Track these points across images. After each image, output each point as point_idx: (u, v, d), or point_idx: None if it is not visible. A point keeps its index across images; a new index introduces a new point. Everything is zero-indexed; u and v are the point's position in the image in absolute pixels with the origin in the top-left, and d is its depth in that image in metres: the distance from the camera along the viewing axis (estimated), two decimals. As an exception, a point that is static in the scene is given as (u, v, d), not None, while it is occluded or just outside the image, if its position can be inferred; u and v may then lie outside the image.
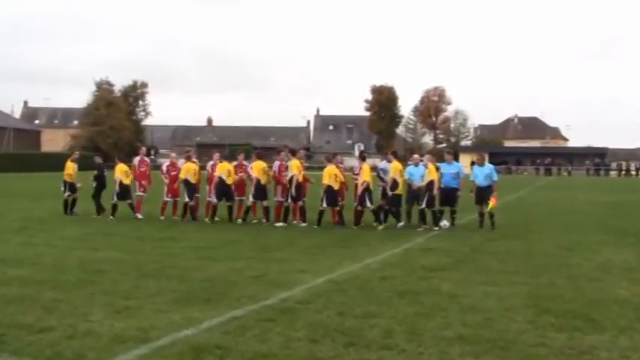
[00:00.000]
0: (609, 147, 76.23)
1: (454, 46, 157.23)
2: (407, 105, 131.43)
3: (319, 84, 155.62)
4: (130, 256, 9.74)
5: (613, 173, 66.35)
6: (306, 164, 15.64)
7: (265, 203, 14.70)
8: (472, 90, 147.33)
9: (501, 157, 68.15)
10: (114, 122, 73.20)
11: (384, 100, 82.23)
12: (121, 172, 15.77)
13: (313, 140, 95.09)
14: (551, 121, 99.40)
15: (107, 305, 6.50)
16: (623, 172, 64.92)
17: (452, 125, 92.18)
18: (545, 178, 57.88)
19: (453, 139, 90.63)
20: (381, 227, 13.73)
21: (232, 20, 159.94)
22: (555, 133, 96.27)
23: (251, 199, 14.65)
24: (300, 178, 14.35)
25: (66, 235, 12.21)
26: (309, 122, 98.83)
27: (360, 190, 13.99)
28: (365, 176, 13.91)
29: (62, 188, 16.48)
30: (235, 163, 15.41)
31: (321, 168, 14.84)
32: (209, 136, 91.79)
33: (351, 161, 25.96)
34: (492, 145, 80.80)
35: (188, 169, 15.09)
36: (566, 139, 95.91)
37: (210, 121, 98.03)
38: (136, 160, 16.63)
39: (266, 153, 17.12)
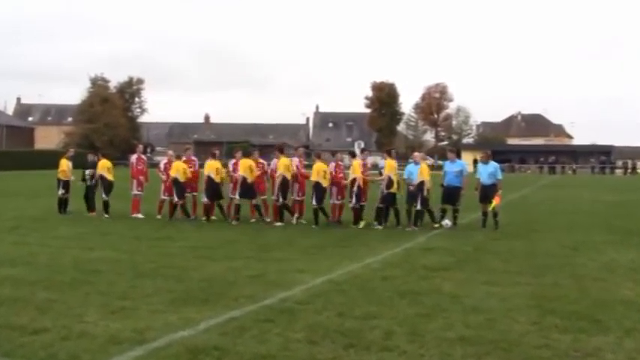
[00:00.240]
0: (615, 145, 75.83)
1: (456, 41, 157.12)
2: (408, 102, 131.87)
3: (318, 81, 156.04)
4: (125, 255, 9.66)
5: (618, 171, 66.04)
6: (306, 162, 15.51)
7: (254, 201, 14.61)
8: (474, 86, 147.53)
9: (504, 155, 67.75)
10: (109, 119, 72.19)
11: (384, 97, 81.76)
12: (102, 168, 15.82)
13: (313, 138, 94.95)
14: (555, 119, 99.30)
15: (102, 306, 6.44)
16: (629, 171, 64.62)
17: (454, 122, 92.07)
18: (549, 176, 57.71)
19: (454, 137, 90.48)
20: (362, 224, 13.65)
21: (230, 16, 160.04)
22: (559, 130, 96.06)
23: (237, 197, 14.48)
24: (289, 177, 14.26)
25: (60, 235, 12.13)
26: (308, 119, 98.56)
27: (352, 187, 13.91)
28: (356, 173, 13.82)
29: (61, 187, 16.33)
30: (233, 161, 15.31)
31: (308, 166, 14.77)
32: (206, 133, 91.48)
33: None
34: (495, 142, 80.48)
35: (178, 168, 15.03)
36: (570, 137, 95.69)
37: (207, 118, 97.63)
38: (134, 157, 16.51)
39: (265, 151, 17.02)
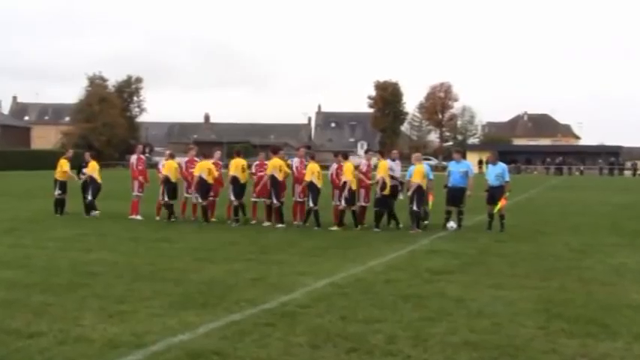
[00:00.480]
0: (623, 145, 75.45)
1: (461, 40, 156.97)
2: (412, 101, 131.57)
3: (321, 80, 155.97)
4: (123, 257, 9.58)
5: (627, 172, 65.65)
6: (307, 163, 15.39)
7: (236, 202, 14.47)
8: (480, 86, 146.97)
9: (510, 156, 67.63)
10: (107, 119, 71.52)
11: (388, 97, 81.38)
12: (94, 170, 15.97)
13: (315, 138, 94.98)
14: (562, 119, 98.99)
15: (100, 309, 6.36)
16: (638, 172, 64.20)
17: (459, 123, 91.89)
18: (555, 177, 57.49)
19: (459, 137, 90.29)
20: (334, 227, 13.55)
21: (232, 14, 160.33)
22: (567, 130, 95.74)
23: (232, 198, 14.40)
24: (281, 177, 14.19)
25: (57, 236, 12.04)
26: (310, 119, 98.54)
27: (345, 189, 13.81)
28: (347, 175, 13.74)
29: (57, 188, 16.27)
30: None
31: (323, 166, 14.66)
32: (206, 133, 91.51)
33: (354, 159, 25.72)
34: (501, 143, 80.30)
35: (170, 168, 14.96)
36: (578, 137, 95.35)
37: (207, 117, 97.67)
38: (133, 158, 16.44)
39: (266, 151, 16.88)
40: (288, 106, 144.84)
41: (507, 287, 7.66)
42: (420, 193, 13.35)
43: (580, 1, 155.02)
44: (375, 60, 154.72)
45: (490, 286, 7.70)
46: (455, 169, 14.30)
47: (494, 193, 13.69)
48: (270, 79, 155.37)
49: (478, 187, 14.47)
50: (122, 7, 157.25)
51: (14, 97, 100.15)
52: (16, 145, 70.02)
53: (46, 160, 45.40)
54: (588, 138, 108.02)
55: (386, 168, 13.77)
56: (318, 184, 13.84)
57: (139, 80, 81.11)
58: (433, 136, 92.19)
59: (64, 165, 16.53)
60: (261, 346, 5.24)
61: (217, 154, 15.98)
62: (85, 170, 16.24)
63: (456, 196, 14.01)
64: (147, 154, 17.28)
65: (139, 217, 15.22)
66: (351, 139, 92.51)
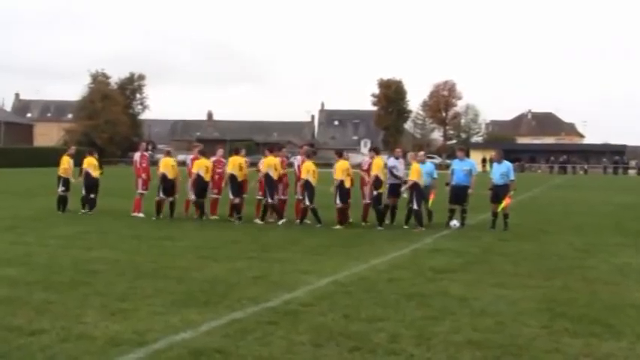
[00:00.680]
0: (628, 144, 75.19)
1: (465, 38, 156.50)
2: (415, 99, 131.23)
3: (324, 77, 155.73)
4: (125, 255, 9.55)
5: (632, 172, 65.40)
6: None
7: (237, 200, 14.47)
8: (484, 84, 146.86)
9: (514, 155, 67.44)
10: (110, 116, 71.38)
11: (391, 95, 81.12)
12: (89, 165, 16.03)
13: (318, 136, 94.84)
14: (566, 117, 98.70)
15: (102, 307, 6.35)
16: (644, 172, 63.92)
17: (462, 121, 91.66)
18: (559, 176, 57.33)
19: (463, 136, 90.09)
20: (337, 226, 13.48)
21: (235, 12, 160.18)
22: (571, 129, 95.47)
23: (231, 196, 14.40)
24: (275, 176, 14.16)
25: (59, 234, 12.01)
26: (313, 117, 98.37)
27: (334, 187, 13.82)
28: (338, 175, 13.72)
29: (61, 185, 16.28)
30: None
31: (326, 165, 14.62)
32: (209, 130, 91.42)
33: (357, 157, 25.76)
34: (505, 141, 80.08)
35: (166, 165, 14.94)
36: (582, 136, 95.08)
37: (210, 115, 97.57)
38: (137, 155, 16.43)
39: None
40: (292, 103, 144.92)
41: (511, 286, 7.63)
42: (419, 192, 13.31)
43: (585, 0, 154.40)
44: (379, 58, 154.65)
45: (493, 285, 7.67)
46: (458, 167, 14.26)
47: (499, 192, 13.63)
48: (273, 76, 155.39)
49: (481, 185, 14.42)
50: (125, 4, 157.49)
51: (17, 94, 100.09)
52: (19, 142, 69.80)
53: (49, 158, 45.37)
54: (593, 137, 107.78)
55: (380, 166, 13.76)
56: (314, 182, 13.84)
57: (141, 77, 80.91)
58: (437, 135, 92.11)
59: (65, 162, 16.56)
60: (264, 344, 5.22)
61: (220, 151, 15.97)
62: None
63: (459, 195, 13.97)
64: (150, 152, 17.23)
65: (141, 215, 15.20)
66: (355, 137, 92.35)
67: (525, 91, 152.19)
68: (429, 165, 14.70)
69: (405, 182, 14.42)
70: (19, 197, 21.03)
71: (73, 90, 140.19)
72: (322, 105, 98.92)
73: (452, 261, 9.46)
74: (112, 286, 7.34)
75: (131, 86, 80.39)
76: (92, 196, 16.06)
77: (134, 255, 9.61)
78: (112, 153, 67.56)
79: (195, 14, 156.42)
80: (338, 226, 13.48)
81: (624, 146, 73.54)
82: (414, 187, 13.30)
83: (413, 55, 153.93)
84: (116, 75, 79.70)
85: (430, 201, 14.03)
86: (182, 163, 17.46)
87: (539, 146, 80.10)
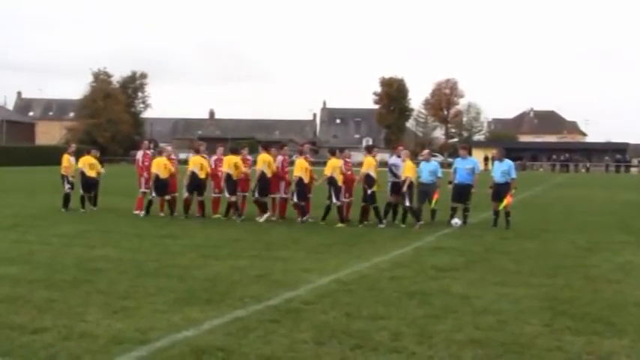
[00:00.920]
0: (630, 142, 75.11)
1: (467, 36, 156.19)
2: (417, 98, 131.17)
3: (326, 76, 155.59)
4: (128, 254, 9.54)
5: (634, 170, 65.28)
6: (312, 159, 15.38)
7: (233, 198, 14.52)
8: (485, 82, 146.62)
9: (516, 153, 67.36)
10: (112, 115, 71.45)
11: (393, 93, 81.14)
12: (84, 164, 16.11)
13: (320, 134, 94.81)
14: (568, 115, 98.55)
15: (104, 305, 6.35)
16: (646, 170, 63.82)
17: (464, 119, 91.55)
18: (562, 174, 57.20)
19: (465, 134, 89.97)
20: (339, 224, 13.49)
21: (237, 10, 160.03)
22: (573, 127, 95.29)
23: (227, 194, 14.43)
24: (269, 174, 14.18)
25: (61, 232, 12.00)
26: (315, 115, 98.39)
27: (317, 183, 13.92)
28: (327, 171, 13.77)
29: (66, 183, 16.29)
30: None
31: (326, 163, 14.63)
32: (211, 129, 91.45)
33: (359, 156, 25.73)
34: (507, 140, 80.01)
35: (159, 164, 15.00)
36: (584, 134, 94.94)
37: (212, 113, 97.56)
38: (139, 154, 16.43)
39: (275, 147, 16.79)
40: (294, 102, 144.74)
41: (512, 285, 7.62)
42: (410, 189, 13.33)
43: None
44: (381, 56, 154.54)
45: (495, 284, 7.66)
46: (461, 165, 14.24)
47: (500, 190, 13.61)
48: (275, 75, 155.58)
49: (482, 183, 14.39)
50: (127, 3, 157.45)
51: (18, 93, 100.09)
52: (21, 140, 69.83)
53: (51, 156, 45.40)
54: (595, 135, 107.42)
55: (372, 164, 13.76)
56: (305, 179, 13.86)
57: (143, 76, 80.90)
58: (439, 133, 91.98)
59: (65, 160, 16.59)
60: (266, 342, 5.22)
61: (220, 150, 15.97)
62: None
63: (462, 193, 13.96)
64: (152, 150, 17.25)
65: (142, 213, 15.23)
66: (356, 136, 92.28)
67: (527, 90, 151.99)
68: (433, 164, 14.62)
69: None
70: (21, 196, 21.01)
71: (75, 88, 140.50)
72: (324, 103, 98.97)
73: (454, 259, 9.44)
74: (114, 284, 7.34)
75: (133, 85, 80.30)
76: (90, 194, 16.09)
77: (136, 253, 9.61)
78: (113, 151, 67.57)
79: (198, 12, 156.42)
80: (340, 225, 13.48)
81: (626, 144, 73.46)
82: (408, 184, 13.33)
83: (415, 53, 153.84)
84: (118, 73, 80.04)
85: (434, 201, 13.98)
86: (184, 162, 17.49)
87: (541, 144, 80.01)
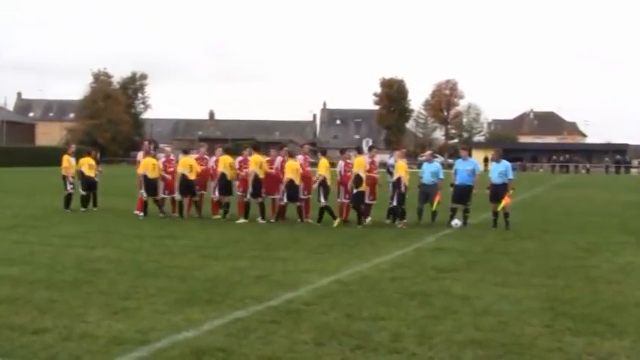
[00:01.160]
0: (630, 143, 75.14)
1: (467, 37, 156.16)
2: (417, 99, 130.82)
3: (326, 77, 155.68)
4: (128, 254, 9.55)
5: (634, 171, 65.28)
6: (312, 160, 15.36)
7: (226, 199, 14.59)
8: (485, 83, 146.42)
9: (516, 154, 67.44)
10: (112, 115, 71.28)
11: (393, 94, 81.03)
12: (83, 164, 16.38)
13: (320, 135, 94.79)
14: (568, 116, 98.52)
15: (104, 306, 6.35)
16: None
17: (464, 120, 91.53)
18: (561, 175, 57.20)
19: (465, 135, 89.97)
20: (335, 223, 13.57)
21: (237, 10, 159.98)
22: (573, 128, 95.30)
23: (216, 193, 14.50)
24: (262, 175, 14.21)
25: (61, 233, 12.00)
26: (315, 116, 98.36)
27: (315, 185, 13.90)
28: (321, 171, 13.82)
29: (68, 184, 16.33)
30: (240, 158, 15.26)
31: (330, 164, 14.63)
32: (211, 130, 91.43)
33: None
34: (507, 140, 79.99)
35: (147, 164, 15.05)
36: (584, 135, 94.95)
37: (212, 114, 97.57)
38: (140, 155, 16.45)
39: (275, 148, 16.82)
40: (294, 103, 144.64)
41: (513, 285, 7.62)
42: (400, 189, 13.38)
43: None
44: (381, 57, 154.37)
45: (496, 284, 7.65)
46: (461, 167, 14.23)
47: (497, 191, 13.61)
48: (275, 75, 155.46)
49: (480, 184, 14.38)
50: (127, 4, 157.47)
51: (19, 94, 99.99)
52: (21, 141, 69.86)
53: (51, 157, 45.33)
54: (595, 136, 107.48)
55: (362, 164, 13.77)
56: (296, 181, 13.89)
57: (143, 77, 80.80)
58: (439, 134, 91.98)
59: (65, 161, 16.62)
60: (266, 343, 5.22)
61: (219, 151, 15.99)
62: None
63: (462, 194, 13.95)
64: (152, 151, 17.28)
65: (141, 214, 15.24)
66: (356, 136, 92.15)
67: (527, 90, 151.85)
68: (435, 165, 14.62)
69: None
70: (21, 196, 20.99)
71: (75, 89, 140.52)
72: (324, 104, 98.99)
73: (454, 260, 9.44)
74: (114, 285, 7.33)
75: (133, 85, 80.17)
76: (89, 194, 16.14)
77: (137, 254, 9.61)
78: (114, 152, 67.54)
79: (198, 13, 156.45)
80: (337, 222, 13.48)
81: (626, 145, 73.47)
82: (397, 184, 13.35)
83: (415, 54, 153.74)
84: (118, 74, 79.84)
85: (435, 202, 13.97)
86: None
87: (541, 145, 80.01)
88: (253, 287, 7.29)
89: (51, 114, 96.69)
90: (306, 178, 14.44)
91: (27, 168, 47.66)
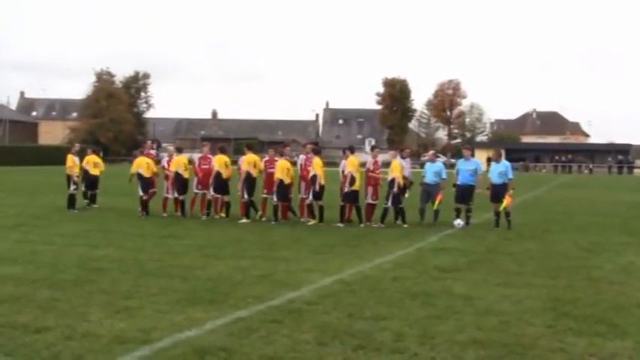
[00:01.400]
0: (633, 143, 75.00)
1: (470, 37, 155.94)
2: (420, 98, 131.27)
3: (329, 76, 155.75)
4: (130, 254, 9.55)
5: (637, 171, 65.14)
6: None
7: (226, 198, 14.65)
8: (488, 83, 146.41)
9: (519, 154, 67.43)
10: (114, 115, 71.46)
11: (396, 94, 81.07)
12: (88, 163, 16.70)
13: (322, 134, 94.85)
14: (571, 116, 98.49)
15: (107, 305, 6.35)
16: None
17: (467, 120, 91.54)
18: (564, 175, 57.09)
19: (468, 135, 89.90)
20: (311, 222, 13.66)
21: (240, 10, 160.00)
22: (576, 128, 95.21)
23: (212, 192, 14.57)
24: (255, 174, 14.30)
25: (64, 232, 12.02)
26: (318, 116, 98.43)
27: (313, 185, 13.86)
28: (317, 169, 13.85)
29: (72, 183, 16.38)
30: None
31: (331, 163, 14.67)
32: (214, 129, 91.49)
33: (362, 156, 25.77)
34: (509, 141, 79.91)
35: (140, 164, 15.16)
36: (587, 135, 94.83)
37: (215, 114, 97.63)
38: None
39: (275, 147, 16.86)
40: (296, 102, 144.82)
41: (515, 285, 7.61)
42: (397, 190, 13.38)
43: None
44: (384, 57, 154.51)
45: (498, 284, 7.64)
46: (463, 167, 14.22)
47: (498, 191, 13.61)
48: (278, 75, 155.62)
49: (484, 184, 14.36)
50: (130, 3, 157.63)
51: (22, 93, 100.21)
52: (24, 140, 70.10)
53: (53, 156, 45.49)
54: (597, 136, 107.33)
55: (355, 163, 13.78)
56: (286, 180, 13.93)
57: (146, 76, 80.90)
58: (441, 134, 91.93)
59: (70, 160, 16.66)
60: (268, 342, 5.22)
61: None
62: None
63: (464, 194, 13.94)
64: (155, 150, 17.39)
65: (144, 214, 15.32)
66: (359, 136, 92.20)
67: (530, 90, 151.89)
68: (437, 164, 14.64)
69: (412, 183, 14.40)
70: (23, 195, 21.03)
71: (78, 88, 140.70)
72: (327, 104, 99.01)
73: (456, 260, 9.43)
74: (116, 284, 7.34)
75: (136, 85, 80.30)
76: (92, 192, 16.26)
77: (139, 253, 9.61)
78: (116, 151, 67.61)
79: (201, 12, 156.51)
80: (339, 224, 13.49)
81: (629, 146, 73.36)
82: (392, 184, 13.37)
83: (418, 54, 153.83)
84: (121, 73, 79.81)
85: (437, 202, 13.97)
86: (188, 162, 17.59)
87: (543, 145, 79.92)
88: (255, 287, 7.29)
89: (54, 113, 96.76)
90: (306, 177, 14.45)
91: (29, 167, 47.67)
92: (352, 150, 14.65)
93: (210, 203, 14.74)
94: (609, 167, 66.22)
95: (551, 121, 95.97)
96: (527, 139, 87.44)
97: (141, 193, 15.08)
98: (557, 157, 70.08)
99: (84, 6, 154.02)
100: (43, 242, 10.62)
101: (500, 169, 13.82)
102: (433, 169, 14.31)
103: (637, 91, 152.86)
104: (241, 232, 12.36)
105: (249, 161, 14.32)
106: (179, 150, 15.83)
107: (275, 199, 14.02)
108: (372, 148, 15.82)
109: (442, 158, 63.82)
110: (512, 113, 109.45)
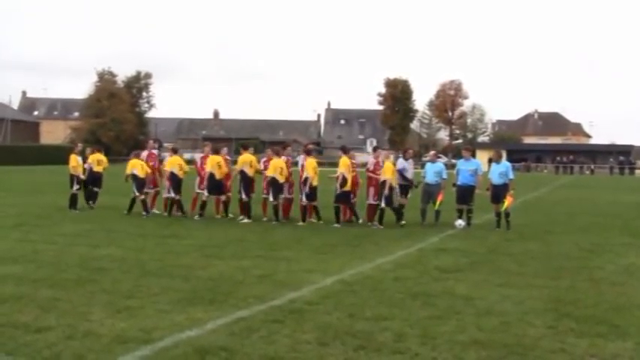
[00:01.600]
0: (634, 144, 75.01)
1: (471, 37, 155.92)
2: (422, 99, 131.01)
3: (330, 76, 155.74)
4: (131, 253, 9.56)
5: (638, 172, 65.05)
6: (317, 160, 15.28)
7: (223, 198, 14.71)
8: (490, 84, 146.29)
9: (520, 154, 67.39)
10: (116, 114, 71.38)
11: (398, 94, 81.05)
12: (93, 161, 16.82)
13: (324, 135, 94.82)
14: (573, 117, 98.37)
15: (108, 304, 6.36)
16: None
17: (469, 120, 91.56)
18: (566, 176, 57.01)
19: (469, 135, 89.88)
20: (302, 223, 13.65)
21: (241, 10, 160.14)
22: (577, 129, 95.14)
23: (206, 193, 14.62)
24: (251, 173, 14.34)
25: (65, 232, 12.04)
26: (319, 116, 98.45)
27: (304, 186, 13.91)
28: (309, 171, 13.87)
29: (75, 183, 16.41)
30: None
31: (332, 164, 14.69)
32: (215, 129, 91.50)
33: (363, 157, 25.79)
34: (511, 141, 79.84)
35: (134, 164, 15.24)
36: (588, 136, 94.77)
37: (216, 114, 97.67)
38: (144, 154, 16.51)
39: (273, 148, 16.89)
40: (298, 102, 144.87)
41: (516, 286, 7.60)
42: (389, 191, 13.35)
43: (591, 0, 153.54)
44: (385, 57, 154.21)
45: (499, 285, 7.64)
46: (464, 167, 14.22)
47: (498, 192, 13.60)
48: (280, 75, 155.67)
49: (482, 185, 14.35)
50: (132, 3, 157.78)
51: (23, 92, 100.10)
52: (25, 140, 70.18)
53: (55, 156, 45.52)
54: (599, 137, 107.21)
55: (347, 164, 13.79)
56: (280, 179, 13.95)
57: (148, 76, 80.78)
58: (443, 134, 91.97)
59: (73, 160, 16.69)
60: (269, 342, 5.22)
61: (224, 150, 16.06)
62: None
63: (465, 195, 13.94)
64: (157, 150, 17.44)
65: (156, 211, 15.36)
66: (361, 137, 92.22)
67: (532, 91, 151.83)
68: (438, 165, 14.64)
69: (416, 186, 14.39)
70: (25, 195, 21.07)
71: (80, 88, 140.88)
72: (328, 104, 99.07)
73: (457, 260, 9.43)
74: (118, 283, 7.35)
75: (137, 84, 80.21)
76: (95, 190, 16.35)
77: (140, 253, 9.62)
78: (118, 151, 67.60)
79: (202, 12, 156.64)
80: (336, 225, 13.49)
81: (631, 146, 73.32)
82: (384, 185, 13.35)
83: (419, 54, 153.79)
84: (123, 73, 79.79)
85: (438, 202, 13.97)
86: (189, 162, 17.71)
87: (545, 146, 79.85)
88: (256, 287, 7.30)
89: (55, 112, 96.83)
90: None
91: (31, 166, 47.69)
92: (345, 150, 14.66)
93: (204, 204, 14.69)
94: (611, 168, 66.08)
95: (553, 122, 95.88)
96: (528, 140, 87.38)
97: (137, 193, 15.09)
98: (558, 158, 69.93)
99: (85, 6, 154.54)
100: (45, 242, 10.62)
101: (501, 170, 13.82)
102: (434, 169, 14.31)
103: (639, 92, 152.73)
104: (242, 232, 12.37)
105: (244, 160, 14.41)
106: (174, 151, 15.93)
107: (271, 198, 14.02)
108: (374, 149, 15.82)
109: (443, 159, 63.89)
110: (514, 114, 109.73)
